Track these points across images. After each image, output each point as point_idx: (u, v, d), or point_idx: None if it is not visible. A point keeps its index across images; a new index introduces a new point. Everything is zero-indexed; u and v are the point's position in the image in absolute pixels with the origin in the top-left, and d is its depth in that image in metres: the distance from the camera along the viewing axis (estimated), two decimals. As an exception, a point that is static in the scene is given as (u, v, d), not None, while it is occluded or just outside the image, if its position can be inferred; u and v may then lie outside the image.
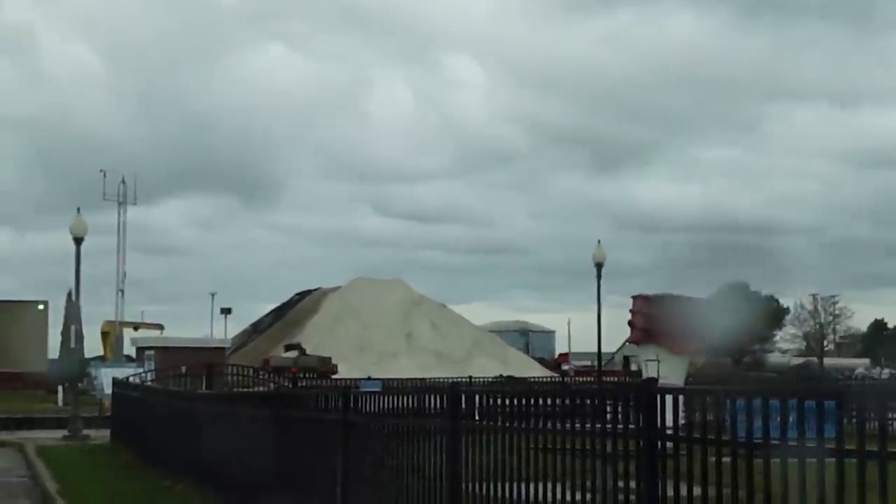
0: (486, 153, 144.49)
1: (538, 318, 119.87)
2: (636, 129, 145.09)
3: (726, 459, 7.14)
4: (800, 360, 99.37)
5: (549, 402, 9.52)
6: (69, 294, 47.69)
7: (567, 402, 9.35)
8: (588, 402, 9.14)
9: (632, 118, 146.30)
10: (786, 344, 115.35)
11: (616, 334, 58.89)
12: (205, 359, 41.52)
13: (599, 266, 48.00)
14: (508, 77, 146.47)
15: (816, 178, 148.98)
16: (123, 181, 70.73)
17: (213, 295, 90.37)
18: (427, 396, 11.58)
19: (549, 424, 9.29)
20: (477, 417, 10.53)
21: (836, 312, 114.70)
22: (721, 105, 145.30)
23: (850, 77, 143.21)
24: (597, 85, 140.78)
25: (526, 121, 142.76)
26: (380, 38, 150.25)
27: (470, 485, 10.11)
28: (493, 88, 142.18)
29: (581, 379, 59.26)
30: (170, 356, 43.41)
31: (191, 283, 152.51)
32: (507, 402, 10.26)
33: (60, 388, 50.04)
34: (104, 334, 69.64)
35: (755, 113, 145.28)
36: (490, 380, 50.03)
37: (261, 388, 37.07)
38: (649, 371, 32.34)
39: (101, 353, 68.70)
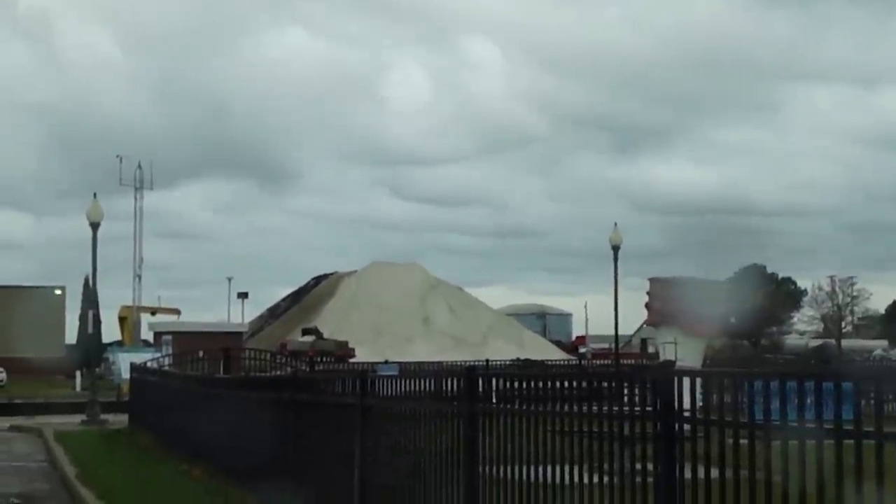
0: (505, 136, 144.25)
1: (556, 301, 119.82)
2: (656, 111, 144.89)
3: (744, 442, 7.12)
4: (817, 342, 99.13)
5: (566, 384, 9.50)
6: (86, 279, 47.93)
7: (584, 384, 9.33)
8: (605, 384, 9.12)
9: (652, 100, 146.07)
10: (803, 326, 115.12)
11: (634, 317, 58.88)
12: (222, 343, 41.67)
13: (616, 249, 47.97)
14: (528, 59, 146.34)
15: (837, 159, 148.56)
16: (140, 166, 71.11)
17: (229, 279, 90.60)
18: (444, 380, 11.57)
19: (567, 407, 9.28)
20: (494, 401, 10.52)
21: (854, 294, 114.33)
22: (742, 87, 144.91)
23: (873, 57, 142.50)
24: (617, 67, 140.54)
25: (545, 103, 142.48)
26: (398, 21, 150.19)
27: (487, 468, 10.11)
28: (512, 71, 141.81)
29: (598, 361, 59.24)
30: (187, 341, 43.59)
31: (208, 268, 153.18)
32: (525, 385, 10.25)
33: (78, 373, 50.26)
34: (121, 319, 69.92)
35: (776, 94, 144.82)
36: (507, 363, 50.06)
37: (278, 373, 37.16)
38: (666, 353, 32.27)
39: (119, 337, 68.97)
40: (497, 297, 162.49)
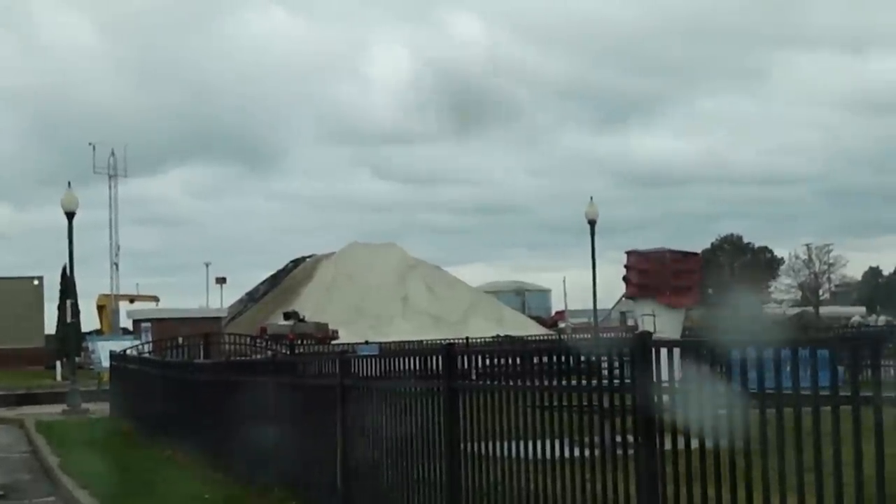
0: (488, 111, 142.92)
1: (539, 277, 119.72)
2: (640, 81, 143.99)
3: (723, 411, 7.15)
4: (795, 311, 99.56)
5: (544, 359, 9.51)
6: (64, 269, 47.79)
7: (563, 359, 9.34)
8: (584, 358, 9.14)
9: (636, 71, 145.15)
10: (781, 294, 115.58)
11: (615, 290, 58.95)
12: (202, 329, 41.56)
13: (593, 223, 47.95)
14: (510, 32, 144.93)
15: (821, 126, 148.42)
16: (113, 154, 70.62)
17: (207, 265, 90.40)
18: (423, 358, 11.59)
19: (546, 382, 9.30)
20: (473, 377, 10.54)
21: (831, 261, 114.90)
22: (727, 54, 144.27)
23: (859, 22, 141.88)
24: (601, 37, 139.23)
25: (529, 77, 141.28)
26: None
27: (468, 444, 10.13)
28: (494, 44, 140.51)
29: (578, 336, 59.38)
30: (166, 327, 43.38)
31: (187, 254, 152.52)
32: (503, 361, 10.26)
33: (58, 363, 50.11)
34: (100, 308, 69.73)
35: (762, 62, 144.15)
36: (487, 340, 50.13)
37: (258, 356, 37.13)
38: (645, 326, 32.37)
39: (98, 326, 68.77)
40: (478, 274, 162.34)
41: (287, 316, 67.15)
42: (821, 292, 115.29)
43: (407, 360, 12.03)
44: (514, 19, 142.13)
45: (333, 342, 55.73)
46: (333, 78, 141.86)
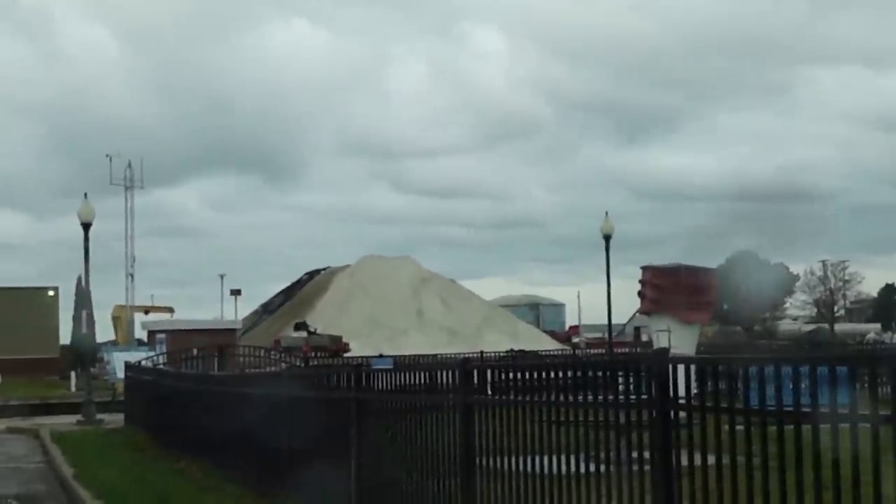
0: (510, 125, 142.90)
1: (552, 292, 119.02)
2: (662, 96, 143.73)
3: (740, 428, 7.14)
4: (811, 327, 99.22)
5: (560, 374, 9.51)
6: (79, 279, 47.90)
7: (579, 374, 9.34)
8: (600, 373, 9.13)
9: (658, 86, 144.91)
10: (796, 311, 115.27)
11: (630, 305, 58.79)
12: (216, 340, 41.59)
13: (608, 238, 47.86)
14: (533, 46, 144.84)
15: (840, 142, 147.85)
16: (130, 165, 70.79)
17: (222, 276, 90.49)
18: (438, 372, 11.58)
19: (562, 397, 9.29)
20: (489, 392, 10.52)
21: (846, 278, 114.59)
22: (749, 70, 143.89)
23: (881, 38, 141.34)
24: (623, 53, 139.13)
25: (550, 91, 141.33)
26: (400, 10, 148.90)
27: (484, 459, 10.12)
28: (516, 59, 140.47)
29: (592, 351, 59.24)
30: (181, 339, 43.44)
31: (202, 265, 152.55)
32: (519, 375, 10.25)
33: (73, 374, 50.17)
34: (115, 319, 69.82)
35: (785, 77, 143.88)
36: (502, 354, 50.04)
37: (272, 369, 37.13)
38: (660, 341, 32.25)
39: (113, 337, 68.90)
40: (493, 288, 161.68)
41: (297, 327, 67.03)
42: (836, 309, 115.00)
43: (422, 374, 12.02)
44: (535, 34, 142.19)
45: (346, 354, 55.70)
46: (353, 90, 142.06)
